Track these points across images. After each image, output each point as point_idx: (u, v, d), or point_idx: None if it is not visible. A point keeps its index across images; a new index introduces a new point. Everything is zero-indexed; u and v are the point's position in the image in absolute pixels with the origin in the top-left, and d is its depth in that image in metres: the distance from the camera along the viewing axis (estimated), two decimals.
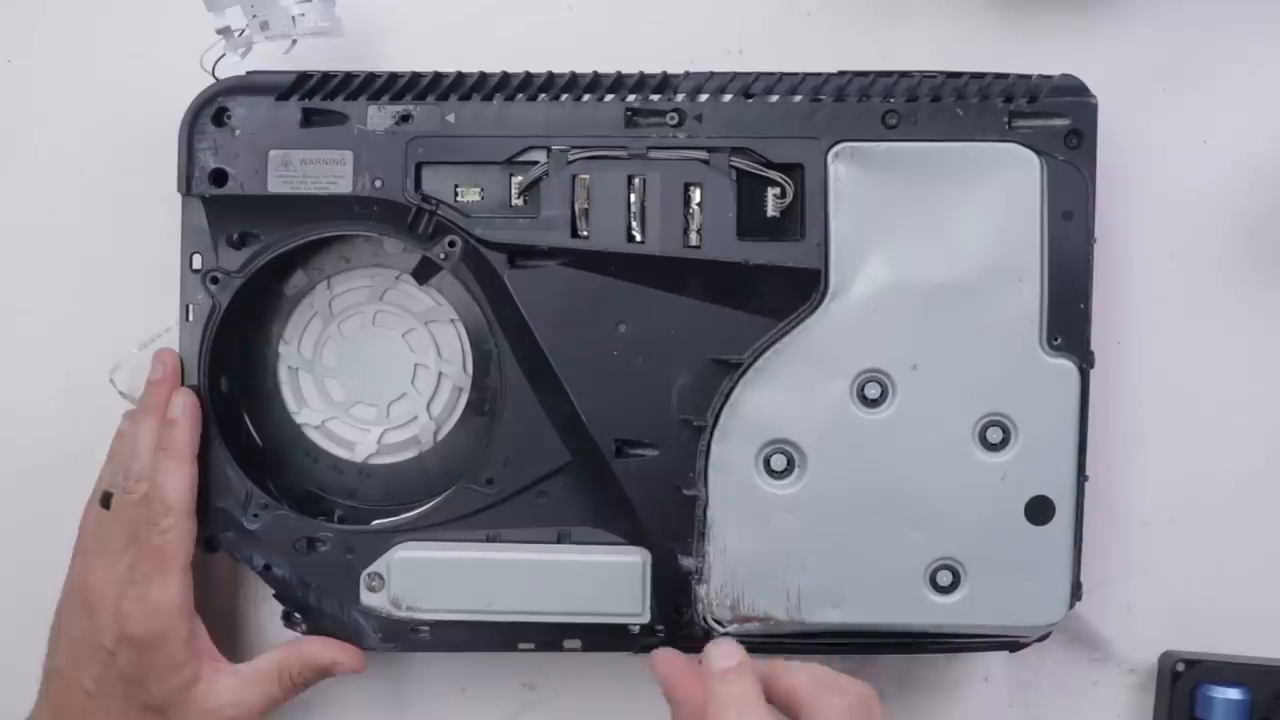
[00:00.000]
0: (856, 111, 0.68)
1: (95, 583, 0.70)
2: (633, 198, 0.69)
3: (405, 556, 0.70)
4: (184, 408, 0.70)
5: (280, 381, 0.75)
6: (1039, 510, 0.68)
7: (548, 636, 0.71)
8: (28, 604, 0.72)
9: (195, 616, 0.70)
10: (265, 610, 0.76)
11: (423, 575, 0.70)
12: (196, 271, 0.71)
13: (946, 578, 0.68)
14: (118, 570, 0.69)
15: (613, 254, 0.69)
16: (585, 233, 0.69)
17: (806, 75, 0.69)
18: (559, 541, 0.70)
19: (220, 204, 0.70)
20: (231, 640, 0.75)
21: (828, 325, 0.68)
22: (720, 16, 0.76)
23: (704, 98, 0.69)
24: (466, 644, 0.71)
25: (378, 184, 0.69)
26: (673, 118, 0.69)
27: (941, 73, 0.69)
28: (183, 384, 0.71)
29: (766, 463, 0.68)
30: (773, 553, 0.68)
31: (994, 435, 0.68)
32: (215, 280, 0.70)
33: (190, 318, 0.71)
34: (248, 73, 0.70)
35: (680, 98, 0.69)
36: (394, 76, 0.70)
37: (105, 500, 0.71)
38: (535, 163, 0.69)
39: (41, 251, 0.77)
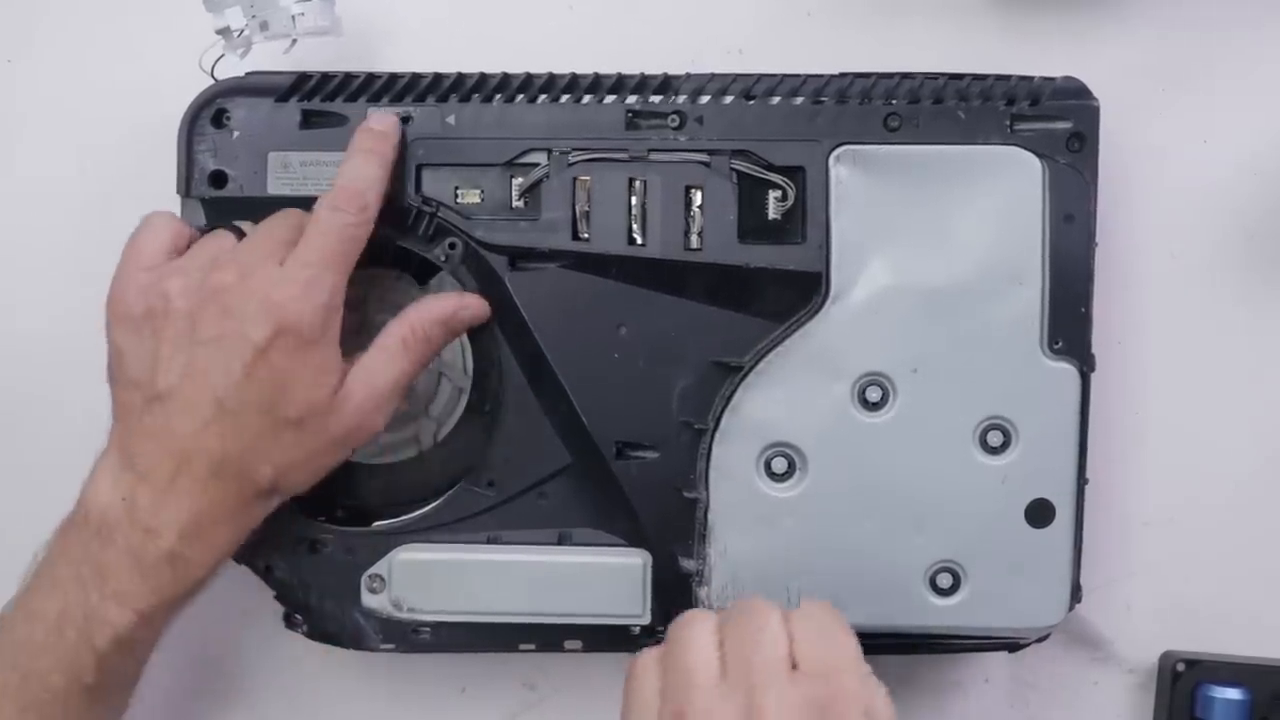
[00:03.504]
0: (858, 114, 0.68)
1: (241, 281, 0.63)
2: (633, 200, 0.69)
3: (406, 558, 0.70)
4: (393, 125, 0.67)
5: None
6: (1039, 513, 0.68)
7: (548, 637, 0.71)
8: None
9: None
10: (263, 610, 0.76)
11: (424, 577, 0.70)
12: None
13: (947, 580, 0.68)
14: (269, 267, 0.63)
15: (613, 256, 0.69)
16: (586, 235, 0.69)
17: (808, 77, 0.69)
18: (559, 543, 0.70)
19: (220, 206, 0.70)
20: (230, 640, 0.75)
21: (829, 328, 0.68)
22: (720, 16, 0.76)
23: (705, 100, 0.69)
24: (467, 645, 0.71)
25: None
26: (674, 120, 0.69)
27: (943, 74, 0.69)
28: None
29: (767, 465, 0.68)
30: (773, 555, 0.68)
31: (995, 438, 0.68)
32: None
33: None
34: (247, 74, 0.70)
35: (681, 100, 0.69)
36: (394, 77, 0.69)
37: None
38: (536, 165, 0.69)
39: (41, 252, 0.77)
